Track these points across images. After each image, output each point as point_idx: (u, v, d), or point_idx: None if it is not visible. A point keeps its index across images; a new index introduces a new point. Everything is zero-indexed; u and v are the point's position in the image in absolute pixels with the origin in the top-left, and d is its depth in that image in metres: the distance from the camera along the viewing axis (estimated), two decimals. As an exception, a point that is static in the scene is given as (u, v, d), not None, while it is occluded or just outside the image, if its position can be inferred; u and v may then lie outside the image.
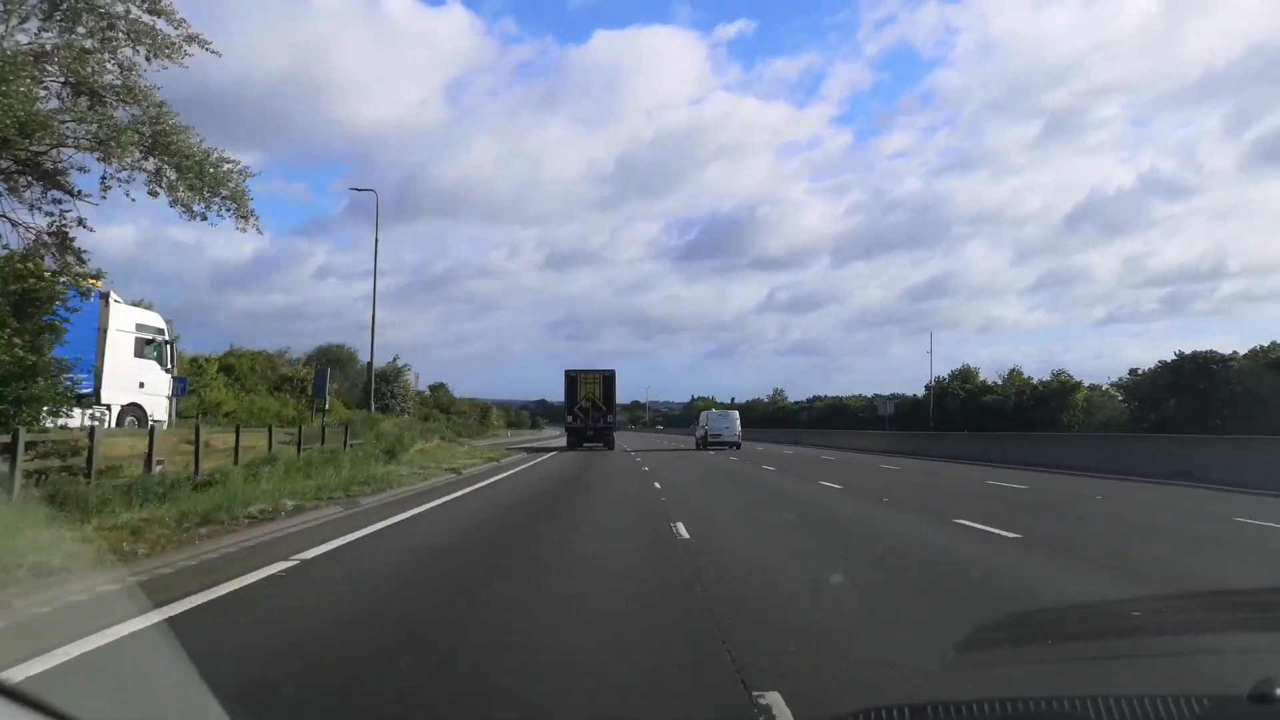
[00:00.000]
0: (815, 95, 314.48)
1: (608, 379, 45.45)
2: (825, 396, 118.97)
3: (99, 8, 12.58)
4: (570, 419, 45.31)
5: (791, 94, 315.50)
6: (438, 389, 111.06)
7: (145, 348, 20.95)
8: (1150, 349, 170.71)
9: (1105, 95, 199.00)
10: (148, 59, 12.96)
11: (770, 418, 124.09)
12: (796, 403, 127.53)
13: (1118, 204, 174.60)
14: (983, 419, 68.60)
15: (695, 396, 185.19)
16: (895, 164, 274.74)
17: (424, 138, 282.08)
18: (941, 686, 4.43)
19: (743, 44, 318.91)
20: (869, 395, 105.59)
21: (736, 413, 53.07)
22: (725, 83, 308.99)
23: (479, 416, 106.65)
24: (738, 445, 47.02)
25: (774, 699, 4.25)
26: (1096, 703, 2.04)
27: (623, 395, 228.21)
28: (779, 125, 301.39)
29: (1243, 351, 47.71)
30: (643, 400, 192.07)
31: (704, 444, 48.10)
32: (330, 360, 57.97)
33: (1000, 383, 74.33)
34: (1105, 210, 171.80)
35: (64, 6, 12.32)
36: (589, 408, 44.38)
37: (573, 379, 45.24)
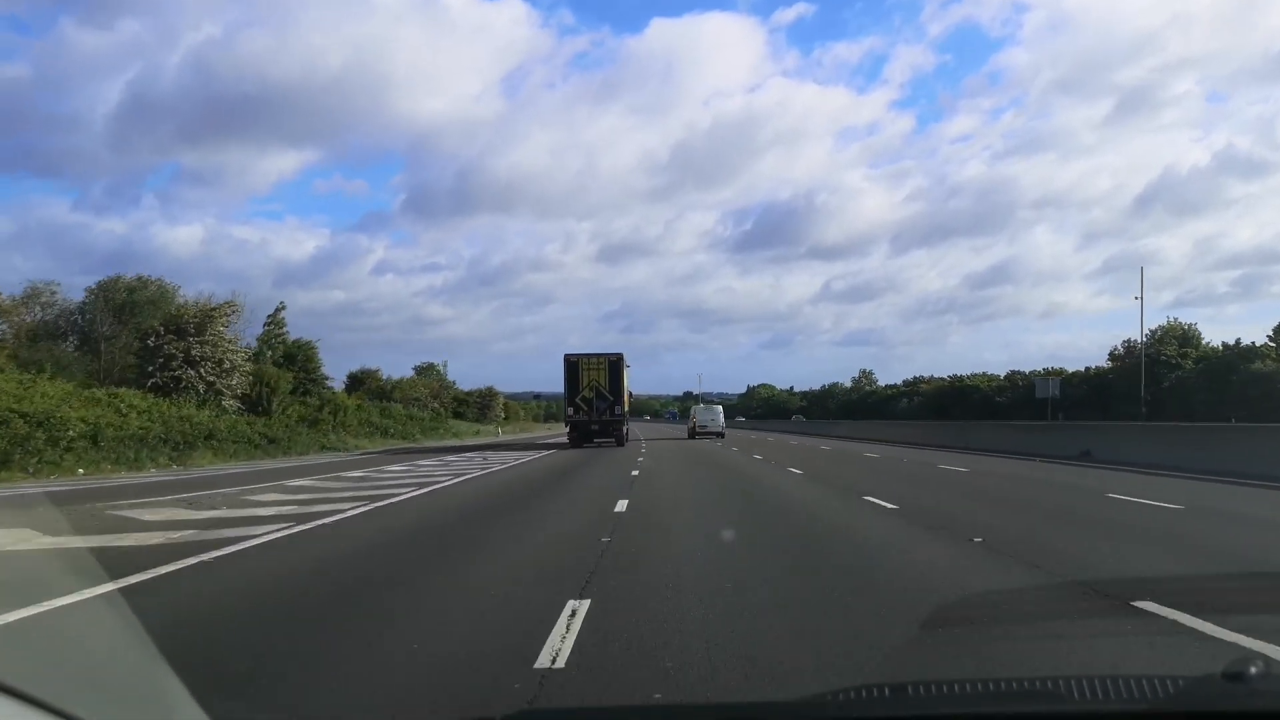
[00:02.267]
0: (876, 79, 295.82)
1: (614, 364, 37.53)
2: (931, 377, 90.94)
3: None
4: (571, 411, 37.19)
5: (852, 78, 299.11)
6: (425, 370, 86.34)
7: None
8: (1223, 332, 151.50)
9: (1180, 71, 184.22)
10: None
11: (854, 407, 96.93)
12: (889, 387, 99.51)
13: (1191, 184, 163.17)
14: (1244, 399, 40.94)
15: (751, 386, 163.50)
16: (958, 148, 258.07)
17: (480, 131, 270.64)
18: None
19: (802, 28, 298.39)
20: (997, 374, 77.95)
21: (720, 407, 59.76)
22: (783, 68, 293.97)
23: (477, 408, 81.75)
24: (722, 435, 50.99)
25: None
26: (1073, 683, 2.04)
27: (673, 386, 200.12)
28: (838, 111, 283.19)
29: None
30: (695, 390, 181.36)
31: (693, 434, 51.73)
32: (118, 303, 33.11)
33: (1272, 342, 46.21)
34: (1177, 190, 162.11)
35: None
36: (593, 398, 36.61)
37: (573, 365, 37.21)
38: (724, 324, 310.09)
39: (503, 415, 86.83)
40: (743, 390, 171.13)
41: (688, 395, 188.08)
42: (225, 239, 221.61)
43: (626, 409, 38.49)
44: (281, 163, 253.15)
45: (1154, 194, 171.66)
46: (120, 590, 5.78)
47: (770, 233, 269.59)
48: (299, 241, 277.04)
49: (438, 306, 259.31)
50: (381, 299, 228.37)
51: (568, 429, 37.90)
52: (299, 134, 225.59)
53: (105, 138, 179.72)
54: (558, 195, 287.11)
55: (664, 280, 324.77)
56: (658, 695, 3.77)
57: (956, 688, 2.25)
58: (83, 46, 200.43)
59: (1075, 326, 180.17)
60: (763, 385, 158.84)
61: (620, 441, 36.31)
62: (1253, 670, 1.95)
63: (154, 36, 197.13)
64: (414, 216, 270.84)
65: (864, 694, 2.16)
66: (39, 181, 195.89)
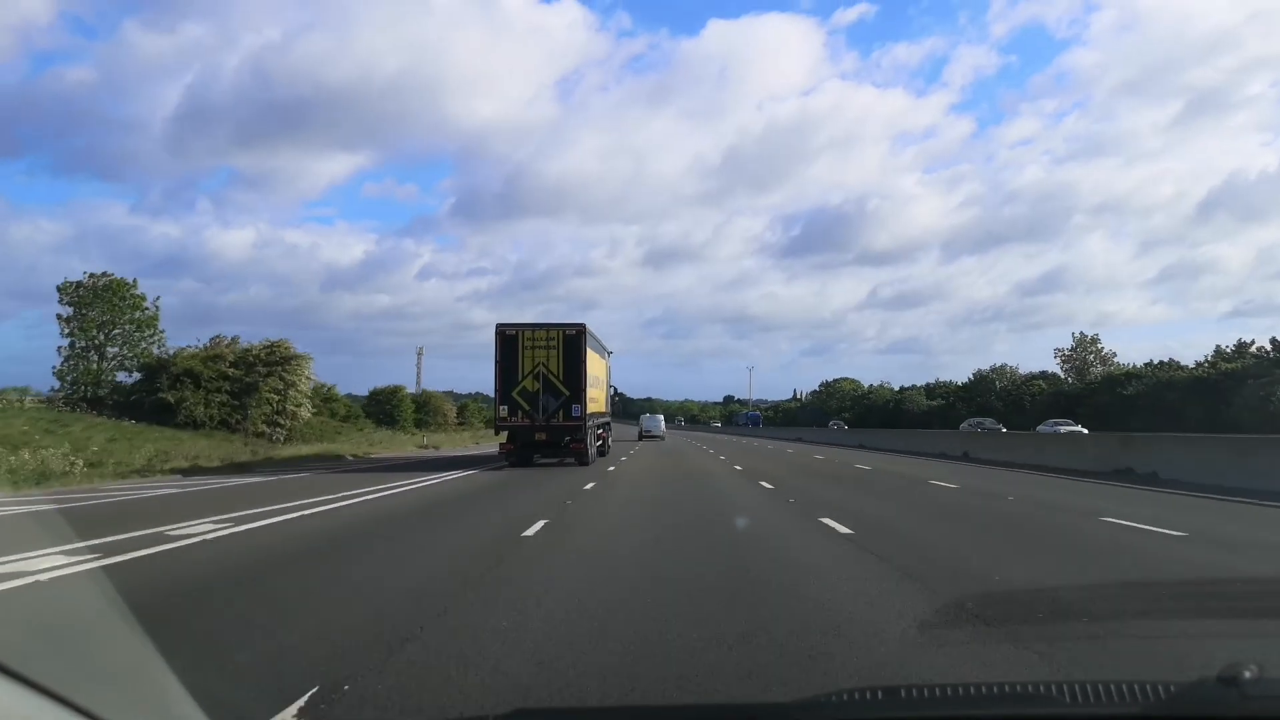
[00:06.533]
0: (936, 81, 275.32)
1: (571, 340, 24.66)
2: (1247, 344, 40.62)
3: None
4: (505, 411, 24.38)
5: (911, 81, 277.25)
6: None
7: None
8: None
9: (1255, 71, 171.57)
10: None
11: (1075, 402, 48.54)
12: (1172, 366, 49.62)
13: (1258, 189, 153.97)
14: None
15: (825, 382, 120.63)
16: (1017, 152, 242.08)
17: (531, 135, 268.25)
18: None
19: (862, 29, 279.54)
20: None
21: (662, 415, 70.52)
22: (841, 71, 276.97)
23: (230, 396, 32.72)
24: (663, 437, 59.62)
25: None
26: (1066, 687, 2.07)
27: (713, 392, 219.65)
28: (895, 114, 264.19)
29: None
30: (739, 396, 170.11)
31: (641, 436, 59.47)
32: None
33: None
34: (1243, 196, 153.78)
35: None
36: (538, 391, 24.21)
37: (509, 340, 24.45)
38: (766, 330, 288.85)
39: (306, 411, 37.04)
40: (788, 395, 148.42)
41: (729, 399, 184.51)
42: (276, 243, 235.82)
43: (596, 409, 26.62)
44: (334, 166, 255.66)
45: (1218, 200, 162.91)
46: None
47: (819, 238, 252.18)
48: (347, 246, 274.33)
49: (481, 311, 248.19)
50: (425, 303, 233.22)
51: (502, 438, 24.75)
52: (352, 137, 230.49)
53: (163, 141, 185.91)
54: (606, 199, 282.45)
55: (709, 286, 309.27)
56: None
57: (949, 690, 2.24)
58: (145, 50, 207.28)
59: (1126, 337, 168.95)
60: (844, 379, 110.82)
61: (582, 458, 24.48)
62: (1246, 675, 1.94)
63: (215, 40, 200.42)
64: (461, 220, 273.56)
65: (857, 696, 2.18)
66: (100, 184, 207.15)
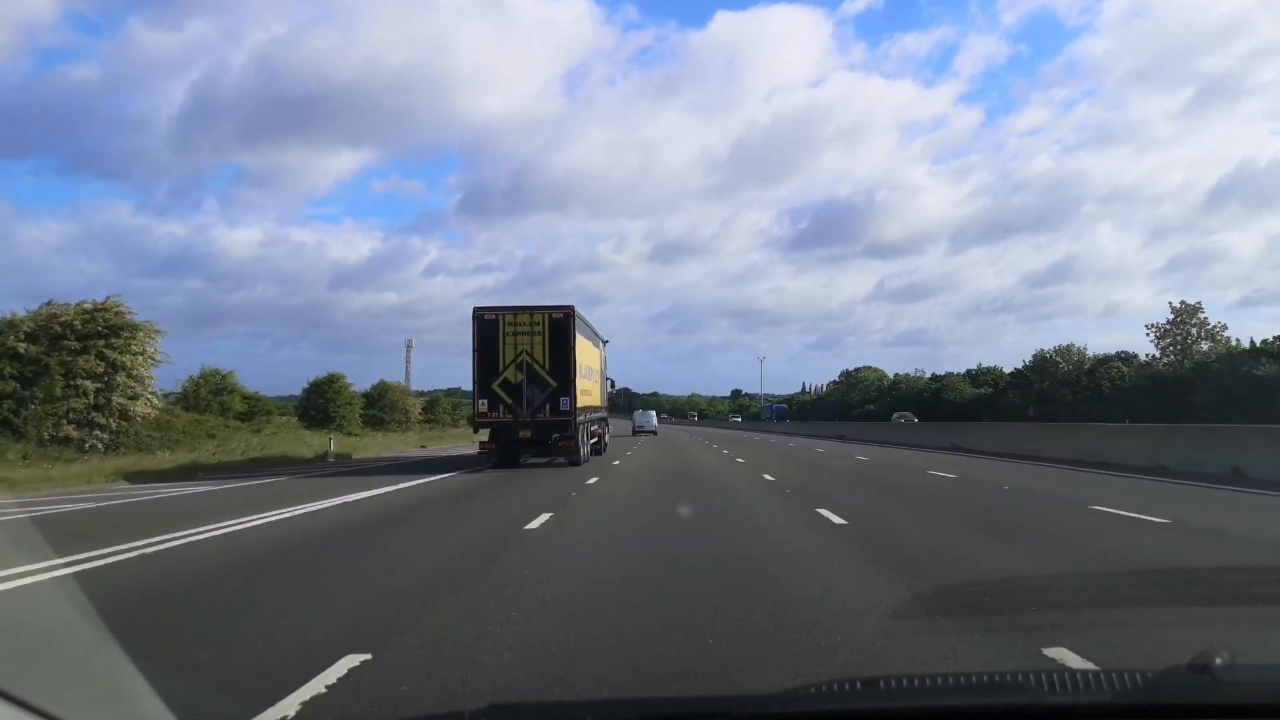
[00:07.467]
0: (945, 71, 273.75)
1: (558, 324, 21.97)
2: None
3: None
4: (484, 405, 21.74)
5: (920, 71, 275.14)
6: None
7: None
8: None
9: (1268, 57, 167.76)
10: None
11: None
12: None
13: (1268, 177, 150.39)
14: None
15: (846, 371, 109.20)
16: (1026, 142, 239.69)
17: (538, 129, 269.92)
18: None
19: (871, 19, 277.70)
20: None
21: (653, 412, 69.25)
22: (849, 62, 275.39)
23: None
24: (655, 432, 59.95)
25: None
26: (1042, 676, 2.06)
27: (720, 386, 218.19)
28: (904, 105, 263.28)
29: None
30: (749, 390, 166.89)
31: (635, 432, 57.85)
32: None
33: None
34: (1253, 184, 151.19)
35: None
36: (521, 383, 21.60)
37: (489, 325, 21.85)
38: (774, 324, 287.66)
39: (146, 405, 25.79)
40: (797, 388, 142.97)
41: (736, 393, 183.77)
42: (283, 241, 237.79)
43: (589, 403, 24.01)
44: (340, 163, 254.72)
45: (1228, 188, 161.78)
46: None
47: (827, 231, 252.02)
48: (354, 243, 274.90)
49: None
50: (432, 300, 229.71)
51: (482, 437, 22.30)
52: (359, 134, 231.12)
53: (169, 139, 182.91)
54: (613, 193, 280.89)
55: (716, 280, 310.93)
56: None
57: (927, 680, 2.26)
58: (150, 47, 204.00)
59: (1133, 327, 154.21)
60: (866, 368, 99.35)
61: (574, 458, 22.05)
62: (1218, 662, 1.94)
63: (220, 36, 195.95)
64: (468, 216, 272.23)
65: (835, 688, 2.18)
66: (105, 184, 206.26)
